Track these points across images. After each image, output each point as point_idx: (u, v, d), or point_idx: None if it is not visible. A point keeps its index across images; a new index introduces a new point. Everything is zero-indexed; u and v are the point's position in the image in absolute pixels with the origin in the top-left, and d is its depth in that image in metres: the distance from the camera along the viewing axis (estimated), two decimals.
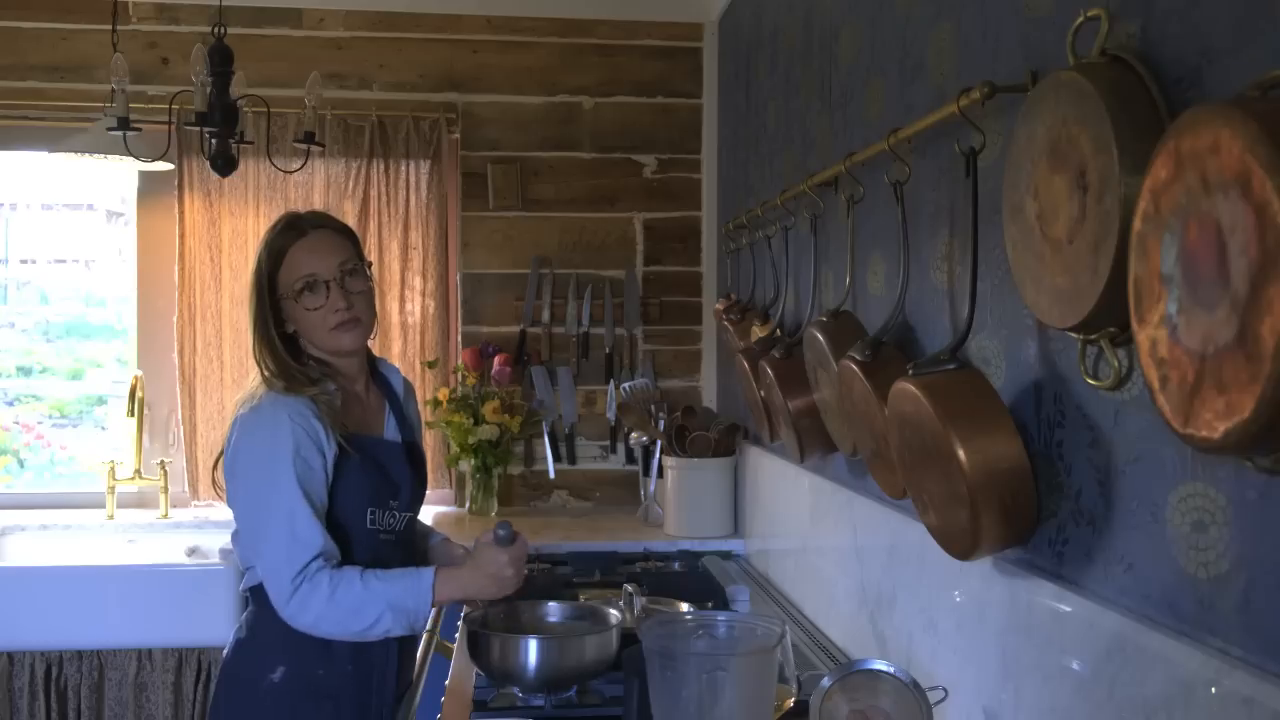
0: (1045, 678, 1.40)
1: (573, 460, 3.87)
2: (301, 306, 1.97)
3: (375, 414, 2.10)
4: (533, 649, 1.90)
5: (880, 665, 1.55)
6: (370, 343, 2.10)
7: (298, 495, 1.87)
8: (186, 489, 3.70)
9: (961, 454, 1.36)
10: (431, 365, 3.73)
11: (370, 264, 2.11)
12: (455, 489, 3.81)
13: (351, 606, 1.86)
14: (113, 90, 2.87)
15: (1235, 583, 1.06)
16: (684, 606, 2.36)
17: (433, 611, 1.96)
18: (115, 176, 3.90)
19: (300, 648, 1.93)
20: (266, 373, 1.96)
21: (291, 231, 2.01)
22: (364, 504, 1.98)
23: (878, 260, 2.04)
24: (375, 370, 2.16)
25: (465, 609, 2.29)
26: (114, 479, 3.66)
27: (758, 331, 2.74)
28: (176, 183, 3.65)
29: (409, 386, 2.24)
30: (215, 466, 2.02)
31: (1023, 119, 1.31)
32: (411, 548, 2.15)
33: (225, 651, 2.05)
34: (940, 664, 1.72)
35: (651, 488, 3.56)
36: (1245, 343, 0.88)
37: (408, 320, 3.77)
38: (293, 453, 1.88)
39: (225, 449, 1.98)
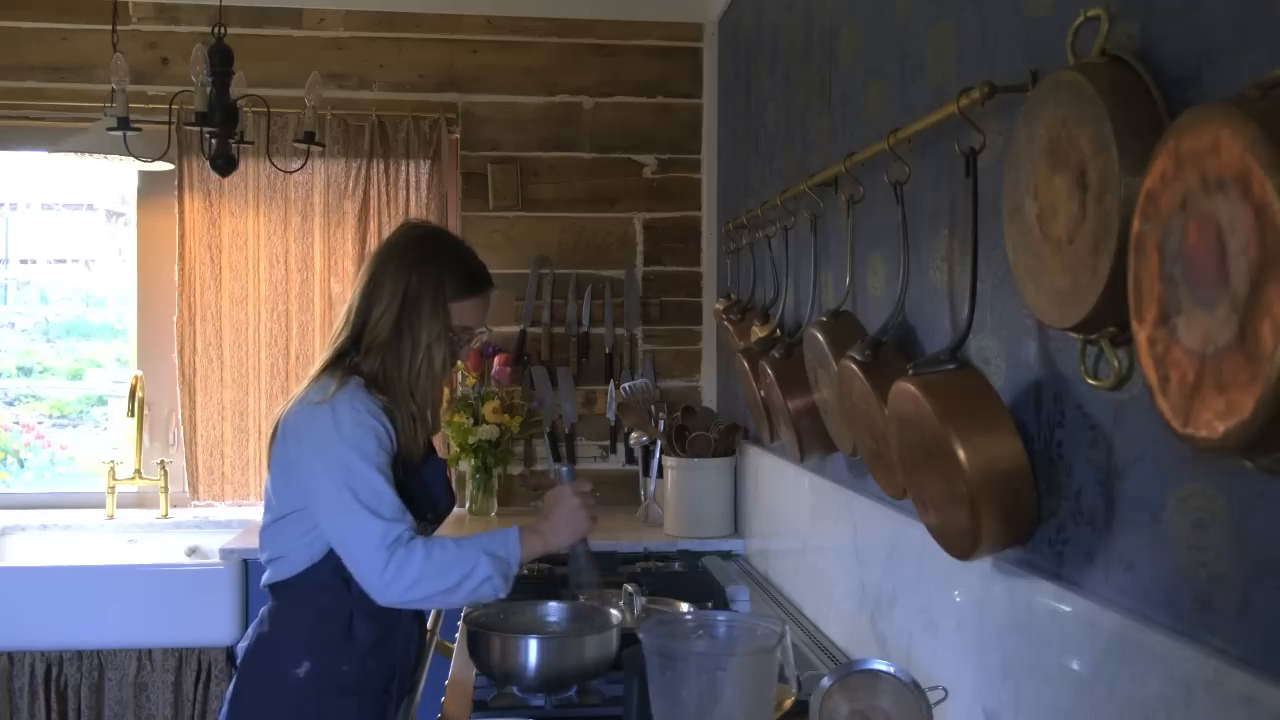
0: (1045, 678, 1.40)
1: (573, 460, 3.87)
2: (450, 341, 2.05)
3: None
4: (533, 649, 1.90)
5: (880, 665, 1.55)
6: None
7: (383, 478, 1.89)
8: (186, 489, 3.70)
9: (961, 454, 1.36)
10: None
11: None
12: (455, 489, 3.81)
13: (449, 561, 1.86)
14: (113, 90, 2.88)
15: (1235, 583, 1.06)
16: (684, 606, 2.36)
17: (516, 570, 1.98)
18: (115, 176, 3.91)
19: (324, 643, 1.94)
20: (413, 382, 1.99)
21: (483, 283, 2.08)
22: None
23: (878, 260, 2.04)
24: None
25: (465, 609, 2.29)
26: (114, 479, 3.66)
27: (758, 331, 2.74)
28: (176, 183, 3.65)
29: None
30: (272, 441, 2.01)
31: (1023, 119, 1.31)
32: None
33: (245, 644, 2.04)
34: (940, 664, 1.72)
35: (651, 488, 3.56)
36: (1245, 343, 0.88)
37: None
38: (376, 444, 1.91)
39: (287, 435, 1.97)
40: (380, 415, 1.94)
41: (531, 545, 1.96)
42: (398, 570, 1.84)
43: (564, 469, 2.07)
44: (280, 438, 1.98)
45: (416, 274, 2.00)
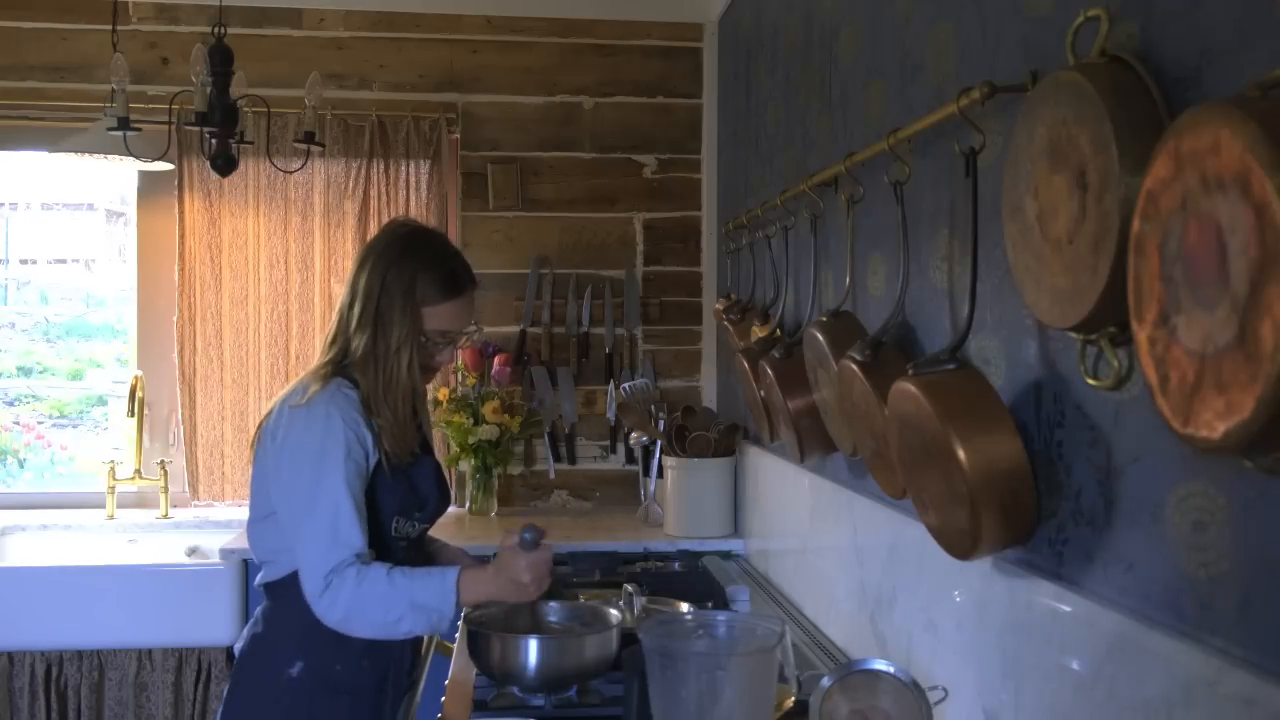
0: (1045, 678, 1.40)
1: (573, 460, 3.87)
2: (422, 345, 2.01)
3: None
4: (533, 649, 1.90)
5: (880, 665, 1.55)
6: None
7: (345, 494, 1.88)
8: (186, 489, 3.70)
9: (961, 454, 1.36)
10: None
11: None
12: (455, 489, 3.81)
13: (376, 602, 1.86)
14: (113, 90, 2.88)
15: (1235, 583, 1.06)
16: (684, 606, 2.36)
17: (459, 613, 1.95)
18: (115, 176, 3.91)
19: (317, 643, 1.94)
20: (386, 387, 1.96)
21: (455, 287, 2.02)
22: (391, 513, 2.00)
23: (878, 260, 2.04)
24: None
25: (465, 610, 2.29)
26: (114, 479, 3.66)
27: (758, 331, 2.74)
28: (176, 183, 3.65)
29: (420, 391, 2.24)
30: (252, 445, 2.02)
31: (1023, 119, 1.31)
32: (422, 550, 2.17)
33: (240, 644, 2.05)
34: (940, 664, 1.72)
35: (651, 488, 3.56)
36: (1245, 343, 0.88)
37: None
38: (344, 453, 1.89)
39: (265, 436, 1.98)
40: (358, 420, 1.93)
41: (470, 594, 1.92)
42: (331, 601, 1.86)
43: (526, 535, 1.92)
44: (260, 438, 1.99)
45: (391, 273, 1.97)
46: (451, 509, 3.75)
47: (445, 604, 1.89)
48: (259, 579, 2.04)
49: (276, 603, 2.00)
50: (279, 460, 1.94)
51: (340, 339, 2.00)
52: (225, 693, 2.04)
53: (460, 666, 2.13)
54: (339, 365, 1.98)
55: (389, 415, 1.96)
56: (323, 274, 3.72)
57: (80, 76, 3.65)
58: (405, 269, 1.97)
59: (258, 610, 2.06)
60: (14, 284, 4.40)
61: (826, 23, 2.43)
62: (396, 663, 2.05)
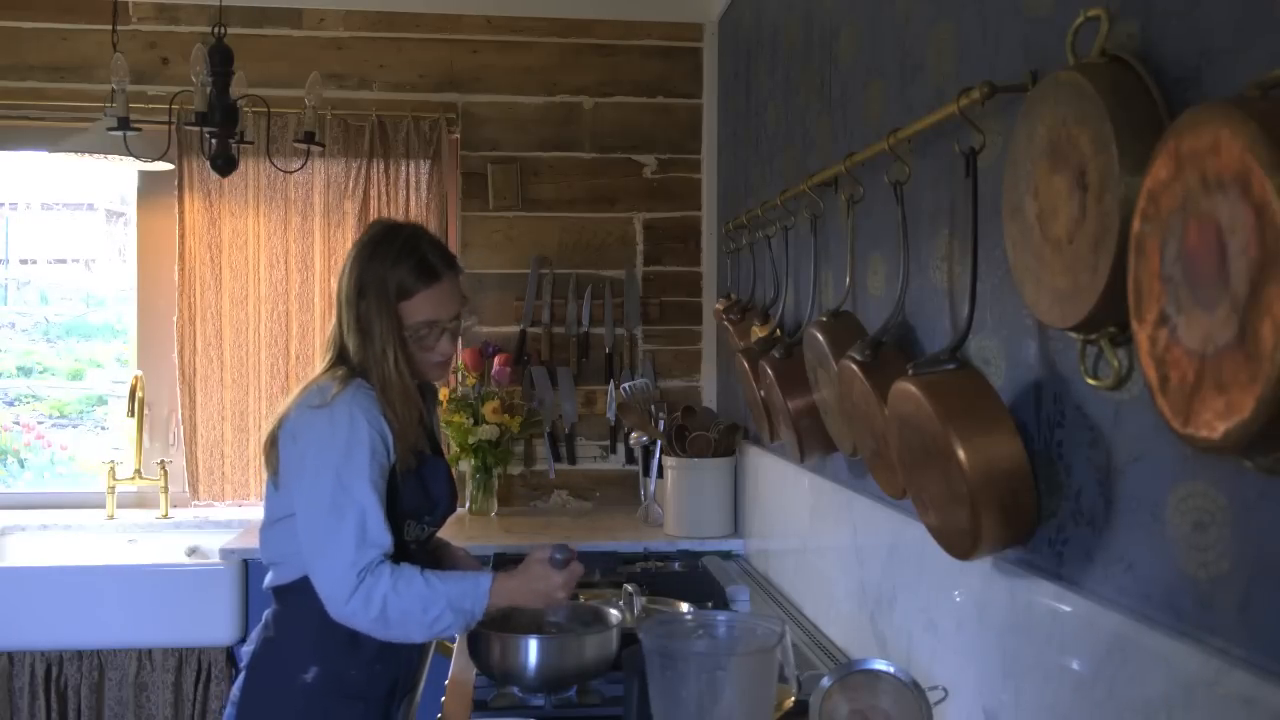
0: (1045, 678, 1.40)
1: (573, 460, 3.87)
2: (411, 340, 1.98)
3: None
4: (533, 649, 1.90)
5: (880, 665, 1.55)
6: None
7: (371, 494, 1.87)
8: (186, 489, 3.70)
9: (961, 454, 1.36)
10: None
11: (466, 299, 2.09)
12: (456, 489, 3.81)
13: (415, 600, 1.84)
14: (113, 90, 2.88)
15: (1235, 583, 1.06)
16: (684, 606, 2.36)
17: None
18: (115, 176, 3.91)
19: (331, 648, 1.94)
20: (384, 389, 1.94)
21: (428, 273, 1.97)
22: (404, 516, 1.99)
23: (878, 260, 2.04)
24: None
25: None
26: (114, 479, 3.66)
27: (758, 331, 2.74)
28: (176, 183, 3.65)
29: (432, 391, 2.23)
30: (271, 442, 1.99)
31: (1023, 119, 1.31)
32: (427, 552, 2.16)
33: (250, 647, 2.04)
34: (940, 664, 1.72)
35: (651, 488, 3.56)
36: (1245, 342, 0.88)
37: None
38: (369, 453, 1.89)
39: (283, 439, 1.96)
40: (380, 419, 1.92)
41: (499, 599, 1.92)
42: (365, 599, 1.84)
43: (558, 555, 1.94)
44: (279, 440, 1.98)
45: (365, 275, 1.96)
46: None
47: (479, 607, 1.89)
48: (268, 581, 2.03)
49: (287, 606, 2.00)
50: (302, 462, 1.92)
51: (334, 347, 2.01)
52: (236, 695, 2.02)
53: (460, 666, 2.13)
54: (351, 368, 1.98)
55: (393, 419, 1.96)
56: (323, 274, 3.72)
57: (80, 76, 3.65)
58: (375, 268, 1.96)
59: (267, 613, 2.05)
60: (14, 284, 4.40)
61: (826, 23, 2.43)
62: (406, 667, 2.05)
